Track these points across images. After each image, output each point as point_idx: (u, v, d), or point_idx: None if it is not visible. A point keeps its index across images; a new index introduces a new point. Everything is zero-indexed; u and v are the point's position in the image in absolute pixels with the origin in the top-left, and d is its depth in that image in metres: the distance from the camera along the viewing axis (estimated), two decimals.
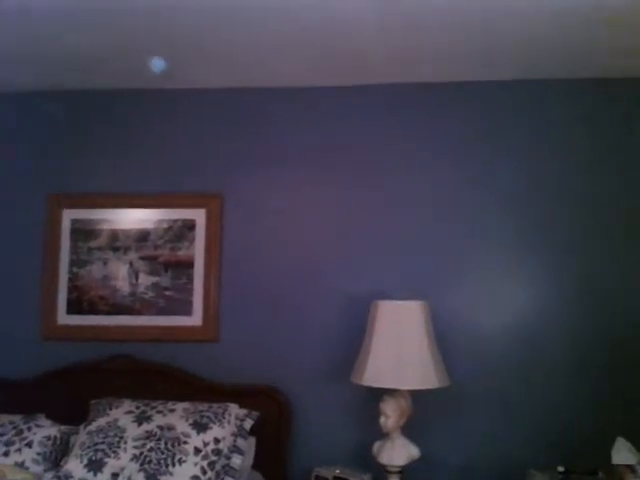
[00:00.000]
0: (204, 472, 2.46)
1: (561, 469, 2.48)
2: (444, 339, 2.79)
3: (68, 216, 3.24)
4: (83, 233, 3.23)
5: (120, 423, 2.62)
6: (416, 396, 2.69)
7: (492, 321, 3.00)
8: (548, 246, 3.01)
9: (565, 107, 3.07)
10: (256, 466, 2.77)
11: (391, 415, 2.63)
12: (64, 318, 3.20)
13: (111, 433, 2.58)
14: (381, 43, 2.71)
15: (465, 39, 2.66)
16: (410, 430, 2.70)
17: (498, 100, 3.11)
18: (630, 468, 2.41)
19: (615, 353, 2.91)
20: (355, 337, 2.84)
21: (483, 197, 3.07)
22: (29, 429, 2.70)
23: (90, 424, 2.68)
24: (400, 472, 2.67)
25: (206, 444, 2.54)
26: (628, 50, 2.72)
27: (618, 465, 2.43)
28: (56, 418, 2.84)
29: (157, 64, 2.83)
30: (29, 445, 2.64)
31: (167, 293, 3.16)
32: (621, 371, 2.90)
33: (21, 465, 2.57)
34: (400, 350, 2.61)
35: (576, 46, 2.71)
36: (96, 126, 3.31)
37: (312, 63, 2.94)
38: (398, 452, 2.65)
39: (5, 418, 2.78)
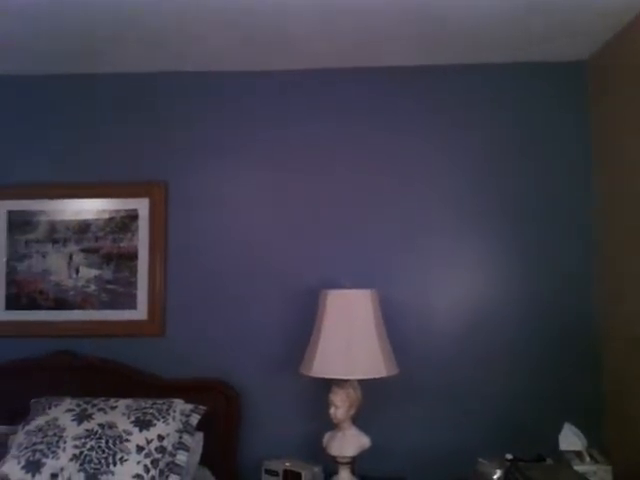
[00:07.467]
0: (147, 470, 2.39)
1: (509, 457, 2.47)
2: (393, 327, 2.77)
3: (4, 208, 3.11)
4: (20, 225, 3.10)
5: (60, 422, 2.53)
6: (366, 385, 2.66)
7: (440, 308, 2.99)
8: (493, 230, 3.01)
9: (511, 91, 3.07)
10: (204, 462, 2.71)
11: (340, 406, 2.59)
12: (3, 314, 3.08)
13: (50, 432, 2.48)
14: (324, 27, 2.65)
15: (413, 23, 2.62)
16: (360, 420, 2.68)
17: (443, 86, 3.08)
18: (577, 453, 2.42)
19: (565, 339, 2.93)
20: (305, 328, 2.79)
21: (427, 186, 3.05)
22: None
23: (29, 424, 2.58)
24: (351, 462, 2.65)
25: (149, 441, 2.46)
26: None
27: (566, 451, 2.44)
28: None
29: None
30: None
31: (110, 286, 3.06)
32: (571, 357, 2.92)
33: None
34: (349, 340, 2.57)
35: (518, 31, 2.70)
36: (31, 114, 3.17)
37: (259, 46, 2.86)
38: (348, 442, 2.62)
39: None
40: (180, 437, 2.58)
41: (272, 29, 2.67)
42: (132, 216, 3.08)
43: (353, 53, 2.94)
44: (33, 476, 2.36)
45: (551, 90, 3.05)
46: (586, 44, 2.86)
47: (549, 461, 2.48)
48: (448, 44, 2.84)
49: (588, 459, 2.39)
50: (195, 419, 2.68)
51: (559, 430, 2.46)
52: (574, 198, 3.01)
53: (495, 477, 2.43)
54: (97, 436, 2.45)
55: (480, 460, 2.51)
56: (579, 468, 2.33)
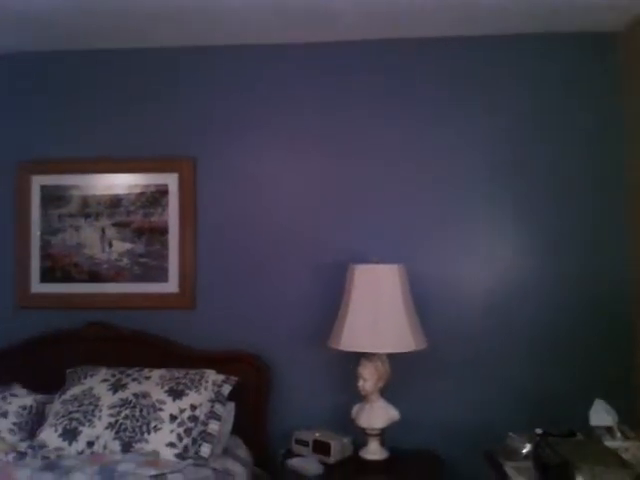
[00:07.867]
0: (180, 439, 2.44)
1: (539, 431, 2.45)
2: (421, 302, 2.77)
3: (37, 183, 3.16)
4: (53, 200, 3.16)
5: (95, 391, 2.60)
6: (394, 359, 2.68)
7: (468, 281, 2.98)
8: (523, 206, 2.98)
9: (543, 62, 3.01)
10: (236, 431, 2.77)
11: (369, 378, 2.62)
12: (38, 286, 3.15)
13: (86, 401, 2.56)
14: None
15: None
16: (390, 393, 2.70)
17: (467, 58, 3.04)
18: (608, 429, 2.40)
19: (594, 314, 2.91)
20: (333, 301, 2.80)
21: (456, 161, 3.02)
22: (4, 399, 2.68)
23: (65, 393, 2.66)
24: (380, 434, 2.68)
25: (182, 411, 2.52)
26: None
27: (596, 427, 2.42)
28: (32, 387, 2.81)
29: None
30: (4, 415, 2.61)
31: (142, 260, 3.10)
32: (601, 332, 2.90)
33: None
34: (377, 314, 2.58)
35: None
36: (63, 90, 3.20)
37: (287, 19, 2.84)
38: (377, 415, 2.65)
39: None
40: (212, 407, 2.63)
41: (302, 1, 2.64)
42: (162, 191, 3.11)
43: (384, 24, 2.91)
44: (70, 444, 2.43)
45: (583, 62, 2.99)
46: (619, 15, 2.78)
47: (579, 436, 2.47)
48: (479, 16, 2.80)
49: (619, 435, 2.36)
50: (227, 389, 2.73)
51: (590, 405, 2.45)
52: (608, 168, 2.96)
53: (524, 451, 2.43)
54: (132, 405, 2.51)
55: (510, 434, 2.50)
56: (610, 444, 2.31)
